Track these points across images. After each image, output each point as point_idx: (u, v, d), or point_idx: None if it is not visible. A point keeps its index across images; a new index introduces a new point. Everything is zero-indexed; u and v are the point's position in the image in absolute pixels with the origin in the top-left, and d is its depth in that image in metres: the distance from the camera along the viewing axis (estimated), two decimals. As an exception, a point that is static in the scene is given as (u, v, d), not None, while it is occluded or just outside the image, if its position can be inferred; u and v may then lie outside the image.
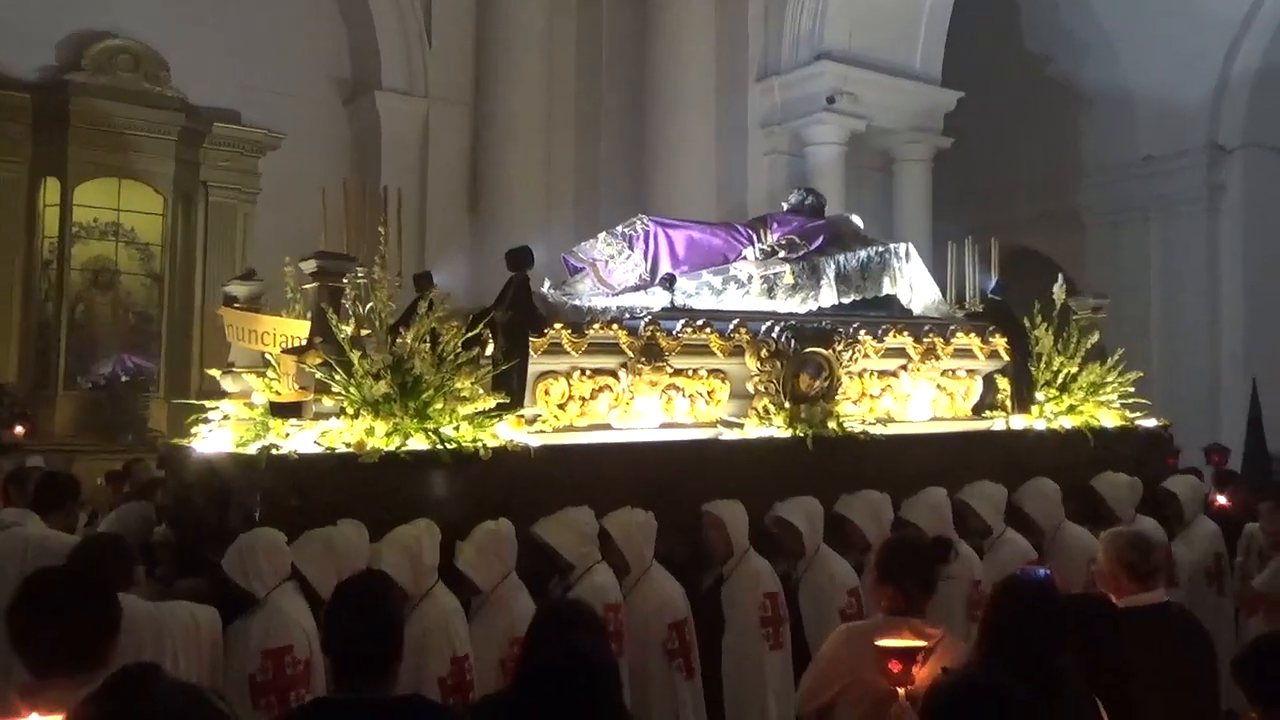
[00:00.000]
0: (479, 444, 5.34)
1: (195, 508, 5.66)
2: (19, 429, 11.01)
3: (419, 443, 5.26)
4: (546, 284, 6.58)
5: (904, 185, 13.92)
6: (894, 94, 13.49)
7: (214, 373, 6.28)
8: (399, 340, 5.36)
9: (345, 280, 5.64)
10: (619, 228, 6.87)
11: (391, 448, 5.16)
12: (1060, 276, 7.38)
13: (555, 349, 5.95)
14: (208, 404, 5.96)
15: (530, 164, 13.71)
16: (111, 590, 3.24)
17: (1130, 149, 16.55)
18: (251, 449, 5.12)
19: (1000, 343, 7.23)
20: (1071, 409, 7.28)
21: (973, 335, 7.19)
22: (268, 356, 5.79)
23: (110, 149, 12.13)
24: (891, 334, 6.88)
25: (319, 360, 5.20)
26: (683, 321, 6.24)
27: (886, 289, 7.28)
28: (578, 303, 6.22)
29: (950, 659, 3.84)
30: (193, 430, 6.04)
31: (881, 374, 6.96)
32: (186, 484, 5.90)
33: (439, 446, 5.25)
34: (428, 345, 5.36)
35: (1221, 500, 8.95)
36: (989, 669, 3.39)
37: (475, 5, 14.09)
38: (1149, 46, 15.91)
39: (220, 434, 5.80)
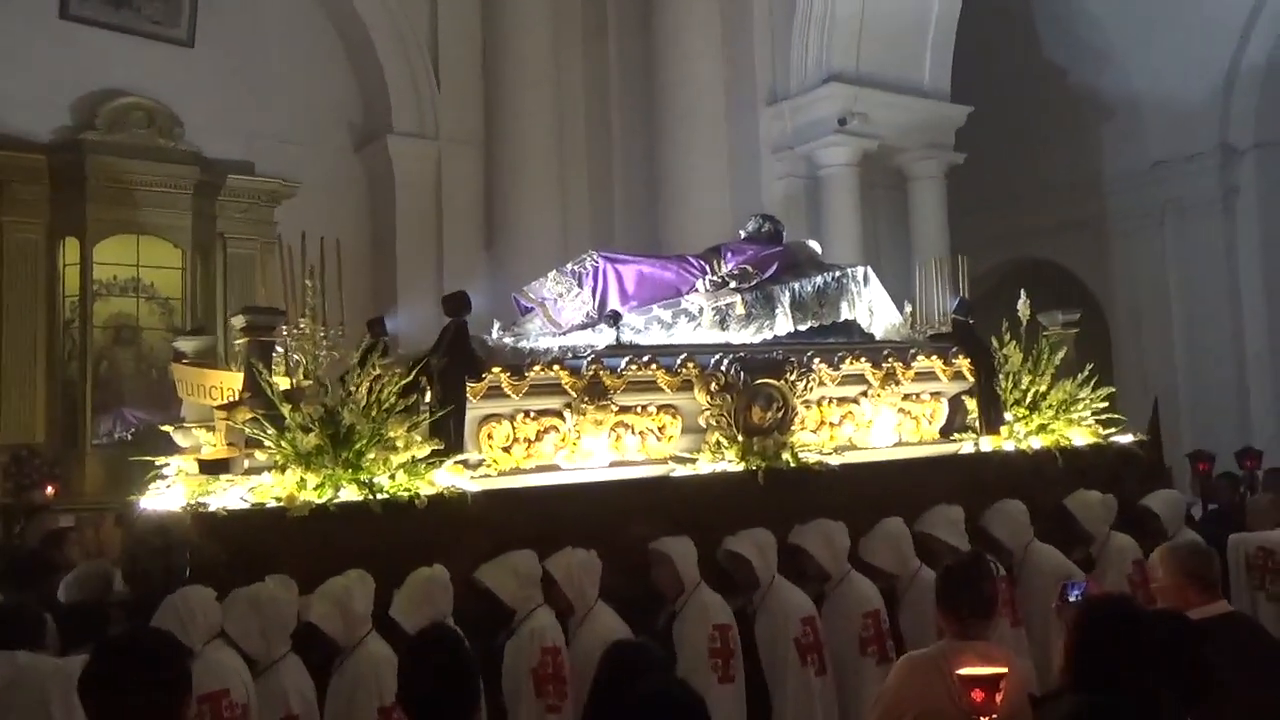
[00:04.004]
0: (414, 492, 5.36)
1: (145, 566, 5.73)
2: (49, 489, 11.17)
3: (352, 494, 5.29)
4: (496, 326, 6.59)
5: (919, 202, 13.85)
6: (904, 112, 13.47)
7: (167, 428, 6.36)
8: (337, 390, 5.40)
9: (283, 333, 5.71)
10: (569, 265, 6.87)
11: (322, 500, 5.20)
12: (1022, 292, 7.26)
13: (496, 392, 5.95)
14: (158, 460, 6.02)
15: (544, 199, 13.78)
16: (181, 648, 3.38)
17: (1142, 155, 16.44)
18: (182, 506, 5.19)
19: (964, 364, 7.12)
20: (1042, 428, 7.15)
21: (934, 357, 7.09)
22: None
23: (127, 206, 12.22)
24: (849, 360, 6.79)
25: (248, 415, 5.26)
26: (628, 358, 6.22)
27: (845, 314, 7.19)
28: (521, 344, 6.22)
29: (1018, 683, 3.82)
30: (149, 486, 6.12)
31: (841, 401, 6.88)
32: (137, 542, 5.97)
33: (371, 497, 5.28)
34: (361, 394, 5.40)
35: None
36: (1091, 696, 3.40)
37: (481, 46, 14.22)
38: (1155, 52, 15.84)
39: (174, 490, 5.88)
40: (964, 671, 3.69)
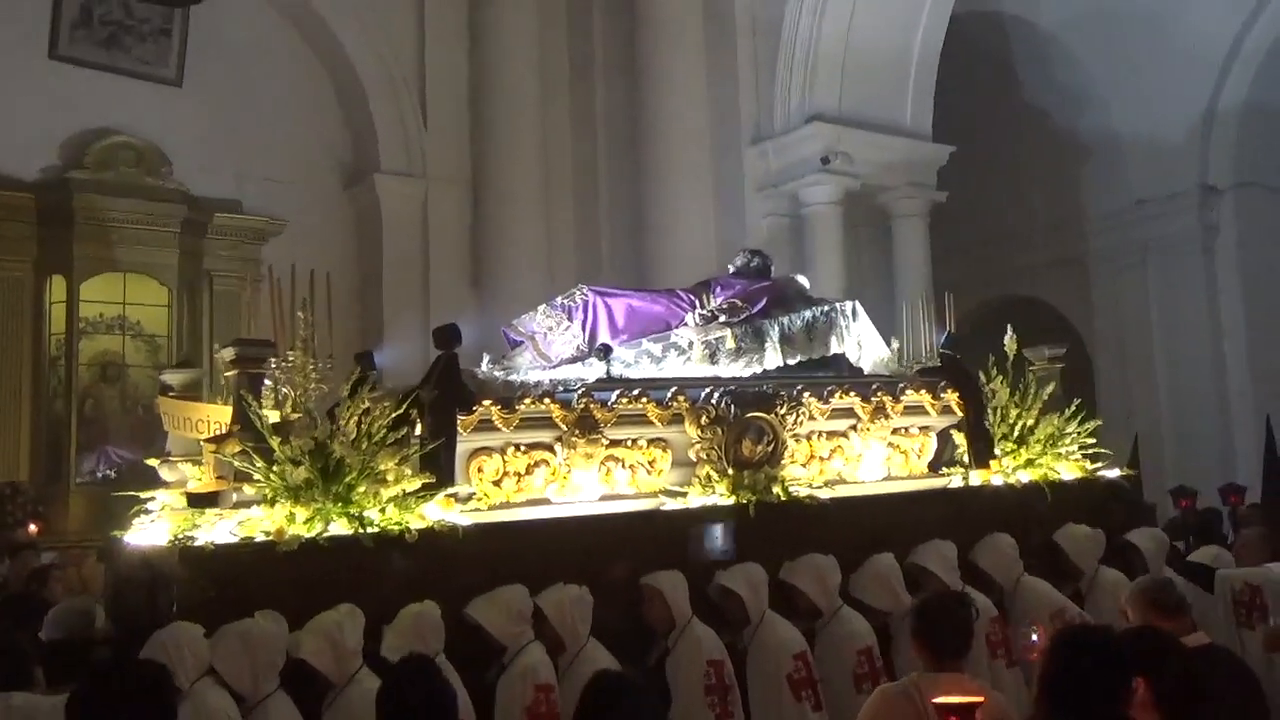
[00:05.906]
0: (404, 526, 5.34)
1: (130, 602, 5.68)
2: (32, 527, 11.08)
3: (342, 528, 5.26)
4: (485, 359, 6.58)
5: (902, 240, 13.87)
6: (886, 151, 13.52)
7: (152, 462, 6.32)
8: (326, 423, 5.38)
9: (273, 365, 5.69)
10: (559, 299, 6.89)
11: (312, 534, 5.17)
12: (1009, 327, 7.31)
13: (486, 425, 5.92)
14: (143, 494, 5.98)
15: (531, 238, 13.83)
16: (166, 675, 3.47)
17: (1125, 194, 16.59)
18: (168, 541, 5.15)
19: (952, 397, 7.15)
20: (1030, 462, 7.17)
21: (923, 391, 7.11)
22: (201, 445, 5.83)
23: (114, 244, 12.24)
24: (838, 394, 6.80)
25: (237, 448, 5.23)
26: (618, 392, 6.21)
27: (834, 348, 7.20)
28: (511, 377, 6.21)
29: (994, 714, 3.79)
30: (134, 521, 6.07)
31: (830, 435, 6.89)
32: (122, 578, 5.92)
33: (361, 531, 5.25)
34: (352, 427, 5.38)
35: None
36: None
37: (469, 85, 14.31)
38: (1136, 92, 16.04)
39: (158, 525, 5.84)
40: (940, 700, 3.66)
